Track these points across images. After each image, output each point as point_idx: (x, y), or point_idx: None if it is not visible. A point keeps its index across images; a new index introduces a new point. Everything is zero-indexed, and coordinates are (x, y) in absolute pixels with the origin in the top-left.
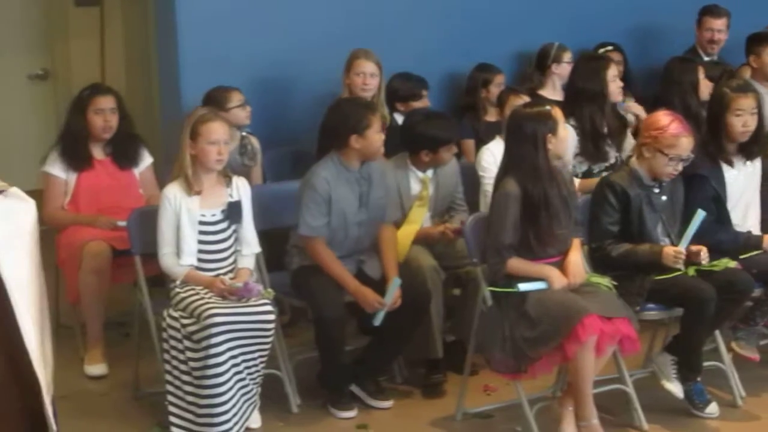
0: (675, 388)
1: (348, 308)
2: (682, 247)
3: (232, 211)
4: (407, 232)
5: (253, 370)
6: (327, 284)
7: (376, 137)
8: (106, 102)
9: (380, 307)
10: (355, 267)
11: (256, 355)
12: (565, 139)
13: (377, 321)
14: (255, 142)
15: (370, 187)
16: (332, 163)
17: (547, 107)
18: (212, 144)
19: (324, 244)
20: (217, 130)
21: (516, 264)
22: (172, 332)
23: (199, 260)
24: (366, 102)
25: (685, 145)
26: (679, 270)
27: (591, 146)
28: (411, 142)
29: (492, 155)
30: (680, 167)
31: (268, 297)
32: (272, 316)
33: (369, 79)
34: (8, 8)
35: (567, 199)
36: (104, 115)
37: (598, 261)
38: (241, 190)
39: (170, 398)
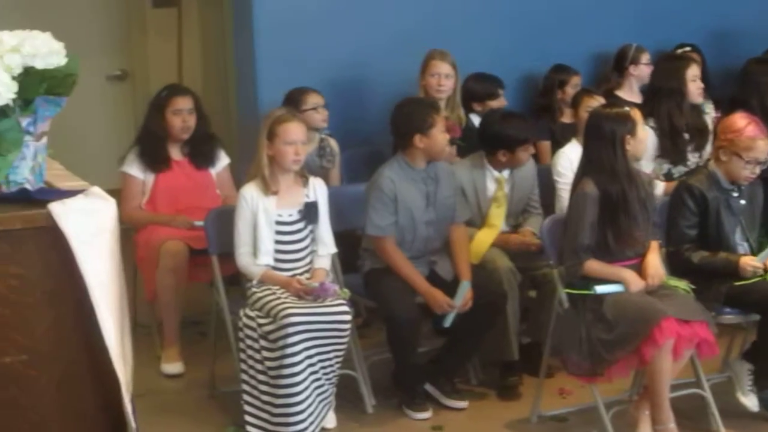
0: (749, 402)
1: (421, 309)
2: (759, 261)
3: (309, 212)
4: (487, 235)
5: (328, 370)
6: (398, 285)
7: (440, 137)
8: (185, 102)
9: (450, 309)
10: (427, 268)
11: (331, 355)
12: (644, 140)
13: (447, 323)
14: (334, 144)
15: (437, 186)
16: (397, 163)
17: (626, 108)
18: (289, 144)
19: (393, 244)
20: (294, 131)
21: (593, 266)
22: (248, 332)
23: (276, 260)
24: (430, 101)
25: (762, 147)
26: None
27: (669, 144)
28: (488, 142)
29: (568, 159)
30: (758, 170)
31: (344, 297)
32: (348, 317)
33: (444, 80)
34: (87, 9)
35: (645, 201)
36: (182, 116)
37: (675, 265)
38: (317, 190)
39: (246, 397)
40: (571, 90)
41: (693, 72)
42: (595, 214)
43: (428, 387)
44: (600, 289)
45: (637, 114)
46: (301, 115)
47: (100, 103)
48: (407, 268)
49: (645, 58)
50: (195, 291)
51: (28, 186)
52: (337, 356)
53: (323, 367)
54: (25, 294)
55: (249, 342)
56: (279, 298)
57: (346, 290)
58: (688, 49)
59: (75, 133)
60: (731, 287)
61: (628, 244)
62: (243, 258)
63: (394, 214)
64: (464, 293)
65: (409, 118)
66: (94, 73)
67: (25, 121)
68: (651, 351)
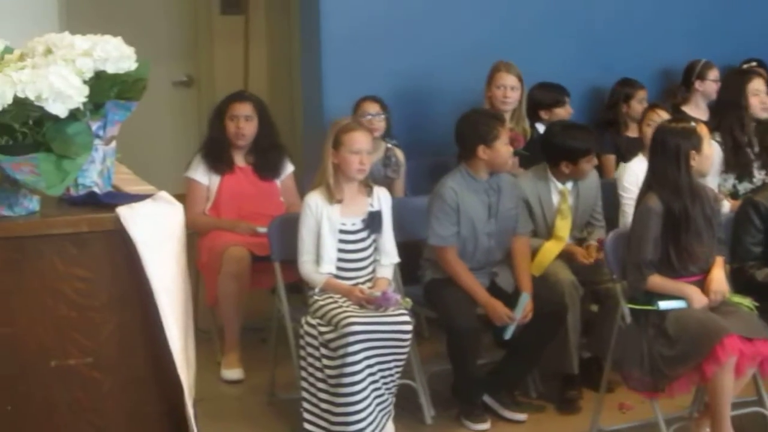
0: None
1: (481, 320)
2: None
3: (373, 221)
4: (553, 247)
5: (388, 379)
6: (459, 295)
7: (503, 149)
8: (242, 109)
9: (510, 320)
10: (488, 280)
11: (392, 364)
12: (710, 156)
13: (507, 335)
14: (399, 154)
15: (499, 197)
16: (460, 173)
17: (692, 123)
18: (354, 153)
19: (455, 254)
20: (359, 140)
21: (656, 281)
22: (309, 339)
23: (339, 269)
24: (495, 113)
25: None
26: None
27: (733, 159)
28: (551, 153)
29: (634, 174)
30: None
31: (405, 306)
32: (409, 327)
33: (510, 92)
34: (155, 16)
35: (710, 218)
36: (237, 122)
37: (740, 282)
38: (382, 200)
39: (305, 405)
40: (636, 104)
41: (755, 86)
42: (659, 229)
43: (487, 399)
44: (663, 304)
45: (702, 129)
46: None
47: (166, 108)
48: (468, 278)
49: (712, 74)
50: (256, 297)
51: (96, 189)
52: (397, 366)
53: (383, 377)
54: (91, 297)
55: (309, 349)
56: (341, 306)
57: (408, 299)
58: (754, 64)
59: (141, 139)
60: None
61: (691, 260)
62: (306, 266)
63: (456, 224)
64: (524, 305)
65: (473, 129)
66: (161, 78)
67: (95, 125)
68: (713, 368)
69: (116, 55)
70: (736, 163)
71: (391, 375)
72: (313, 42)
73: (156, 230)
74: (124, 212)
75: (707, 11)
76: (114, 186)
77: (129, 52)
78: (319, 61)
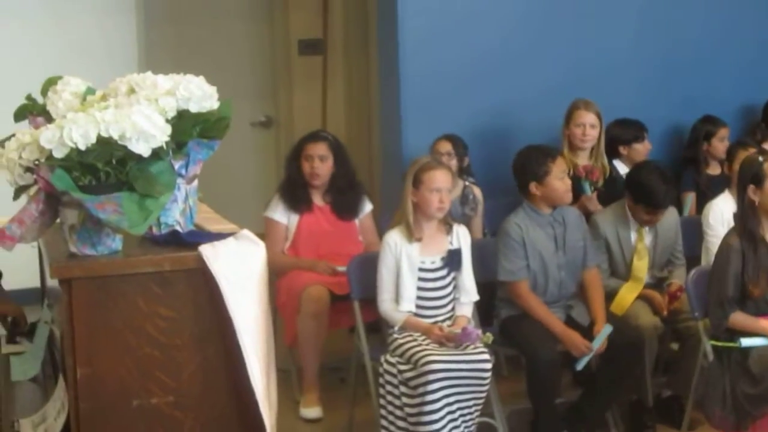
0: None
1: (561, 355)
2: None
3: (452, 259)
4: (631, 289)
5: (467, 417)
6: (538, 328)
7: (557, 183)
8: (316, 149)
9: (587, 351)
10: (564, 314)
11: (471, 403)
12: None
13: (580, 366)
14: (477, 192)
15: (565, 230)
16: (523, 209)
17: (759, 156)
18: (434, 192)
19: (527, 288)
20: (439, 178)
21: (739, 318)
22: (388, 377)
23: (418, 307)
24: (547, 149)
25: None
26: None
27: None
28: (634, 191)
29: (719, 211)
30: None
31: (486, 342)
32: (489, 365)
33: (589, 130)
34: (234, 58)
35: None
36: (312, 162)
37: None
38: (461, 238)
39: None
40: (717, 142)
41: None
42: (739, 265)
43: None
44: (745, 342)
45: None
46: None
47: (246, 149)
48: (543, 311)
49: None
50: (334, 337)
51: (178, 228)
52: (476, 404)
53: (462, 415)
54: (174, 336)
55: (389, 387)
56: (420, 345)
57: (489, 335)
58: None
59: (221, 179)
60: None
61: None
62: (385, 304)
63: (524, 258)
64: (604, 337)
65: (524, 166)
66: (240, 119)
67: (177, 164)
68: None
69: (199, 94)
70: None
71: (470, 413)
72: (391, 81)
73: (239, 269)
74: (207, 251)
75: None
76: (196, 225)
77: (211, 91)
78: (397, 100)
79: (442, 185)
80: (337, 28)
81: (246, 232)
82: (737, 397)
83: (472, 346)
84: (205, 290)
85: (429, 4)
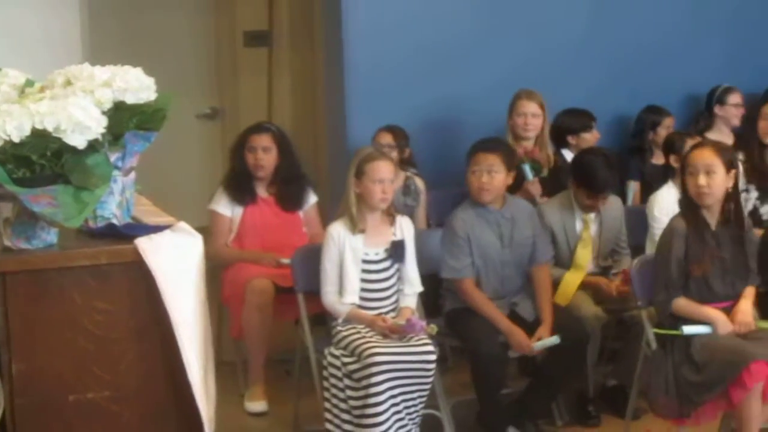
0: None
1: (504, 348)
2: None
3: (396, 251)
4: (574, 277)
5: (412, 410)
6: (482, 322)
7: (470, 177)
8: (260, 140)
9: (528, 351)
10: (508, 309)
11: (416, 395)
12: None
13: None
14: (419, 182)
15: (513, 226)
16: (470, 204)
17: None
18: (377, 182)
19: (473, 285)
20: (381, 169)
21: (682, 304)
22: (332, 370)
23: (362, 299)
24: (480, 142)
25: None
26: None
27: (752, 175)
28: (577, 175)
29: (664, 202)
30: None
31: (431, 332)
32: (433, 356)
33: (531, 119)
34: (179, 50)
35: (741, 243)
36: (256, 153)
37: None
38: (405, 229)
39: None
40: (663, 131)
41: (766, 110)
42: (682, 250)
43: (511, 429)
44: (688, 330)
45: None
46: None
47: (191, 141)
48: (488, 307)
49: (732, 98)
50: (281, 329)
51: (115, 221)
52: (421, 396)
53: (407, 407)
54: (111, 329)
55: (333, 380)
56: (364, 337)
57: (434, 326)
58: None
59: (165, 171)
60: None
61: (715, 286)
62: (329, 296)
63: (469, 255)
64: (547, 345)
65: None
66: (185, 111)
67: (114, 156)
68: (740, 394)
69: (136, 85)
70: (754, 180)
71: (415, 405)
72: (336, 73)
73: (175, 261)
74: (143, 244)
75: (736, 37)
76: (133, 217)
77: (149, 82)
78: (342, 91)
79: (384, 176)
80: (283, 20)
81: (183, 224)
82: (680, 385)
83: (417, 338)
84: (142, 283)
85: None
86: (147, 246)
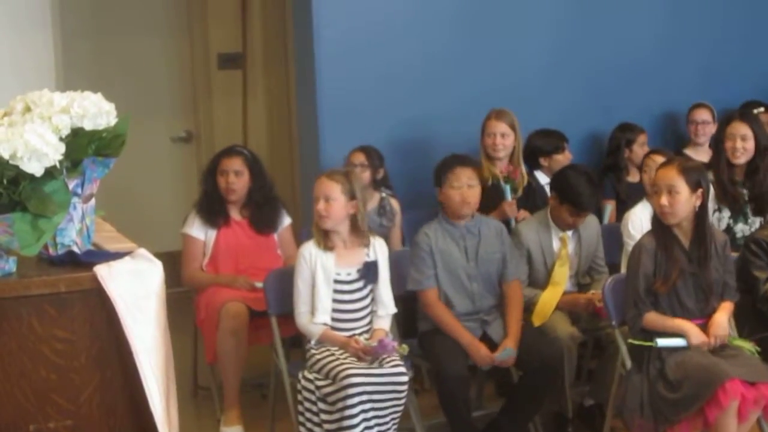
0: None
1: (472, 370)
2: None
3: (368, 271)
4: (552, 295)
5: (384, 429)
6: (449, 344)
7: (450, 192)
8: (231, 164)
9: (490, 364)
10: (480, 329)
11: (388, 417)
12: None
13: (485, 367)
14: (395, 203)
15: (479, 241)
16: (437, 219)
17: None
18: (318, 200)
19: (435, 297)
20: (318, 187)
21: (653, 318)
22: (306, 394)
23: (335, 320)
24: (456, 157)
25: None
26: None
27: (722, 195)
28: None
29: (638, 220)
30: None
31: (402, 353)
32: (405, 377)
33: (500, 140)
34: (153, 72)
35: (714, 260)
36: (227, 177)
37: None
38: (378, 250)
39: None
40: (638, 148)
41: (731, 130)
42: (652, 266)
43: None
44: (661, 342)
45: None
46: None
47: (166, 164)
48: (450, 321)
49: (697, 115)
50: (258, 353)
51: (75, 248)
52: (393, 417)
53: (378, 425)
54: (71, 358)
55: (307, 404)
56: (338, 359)
57: (405, 346)
58: (761, 109)
59: (140, 195)
60: None
61: (686, 301)
62: (302, 317)
63: (432, 267)
64: (504, 359)
65: (435, 172)
66: (160, 134)
67: (72, 183)
68: (715, 412)
69: (94, 111)
70: (724, 200)
71: (387, 426)
72: (309, 93)
73: (135, 288)
74: (102, 271)
75: (712, 55)
76: (94, 244)
77: (108, 107)
78: (315, 112)
79: (320, 193)
80: (257, 42)
81: (142, 250)
82: (656, 403)
83: (389, 359)
84: (102, 311)
85: (344, 16)
86: (105, 273)
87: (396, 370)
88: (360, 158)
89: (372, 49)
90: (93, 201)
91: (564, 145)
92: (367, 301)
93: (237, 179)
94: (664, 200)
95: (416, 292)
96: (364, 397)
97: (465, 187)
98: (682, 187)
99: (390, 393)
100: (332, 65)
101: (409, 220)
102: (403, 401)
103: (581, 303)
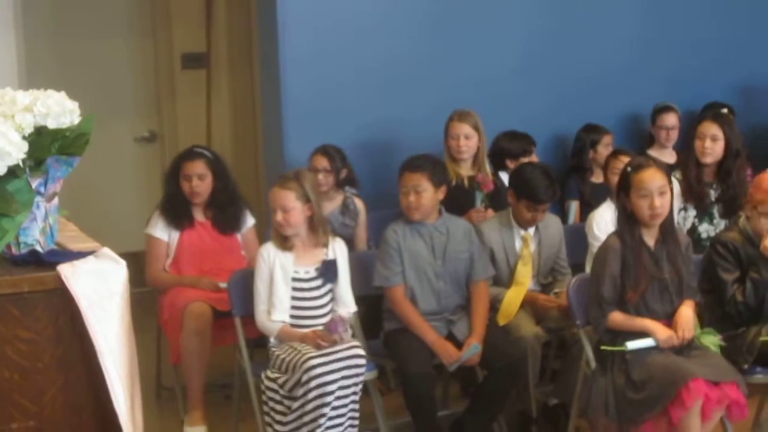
0: None
1: (437, 369)
2: None
3: (327, 270)
4: (515, 294)
5: (345, 411)
6: (415, 344)
7: (401, 197)
8: (194, 168)
9: (456, 361)
10: (446, 328)
11: (348, 399)
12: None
13: (451, 368)
14: (359, 203)
15: (447, 240)
16: (404, 218)
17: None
18: (275, 210)
19: (402, 294)
20: (273, 197)
21: (617, 318)
22: (270, 393)
23: (295, 317)
24: (412, 161)
25: None
26: None
27: (688, 194)
28: (517, 188)
29: (603, 221)
30: None
31: (347, 319)
32: (362, 351)
33: (464, 141)
34: (117, 73)
35: (679, 261)
36: (191, 182)
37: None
38: (337, 249)
39: None
40: (603, 149)
41: (702, 130)
42: (618, 267)
43: None
44: (632, 344)
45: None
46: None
47: (129, 164)
48: (416, 319)
49: (663, 119)
50: (223, 353)
51: (38, 248)
52: (353, 399)
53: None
54: (34, 359)
55: (272, 404)
56: (299, 352)
57: (348, 312)
58: (724, 110)
59: (103, 195)
60: (762, 343)
61: (651, 301)
62: (262, 316)
63: (399, 264)
64: (470, 356)
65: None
66: (123, 134)
67: (36, 182)
68: (679, 413)
69: (57, 110)
70: (691, 199)
71: (347, 409)
72: (274, 94)
73: (98, 288)
74: (66, 270)
75: (679, 58)
76: (58, 243)
77: (72, 106)
78: (279, 113)
79: (275, 204)
80: (221, 41)
81: (106, 250)
82: (620, 404)
83: (345, 343)
84: (66, 311)
85: (310, 16)
86: (69, 272)
87: (353, 352)
88: (323, 163)
89: (338, 49)
90: (56, 200)
91: (532, 149)
92: (326, 299)
93: (201, 182)
94: (658, 202)
95: (382, 290)
96: (326, 378)
97: (411, 193)
98: (667, 188)
99: (349, 369)
100: (297, 65)
101: (374, 221)
102: (362, 378)
103: (541, 304)
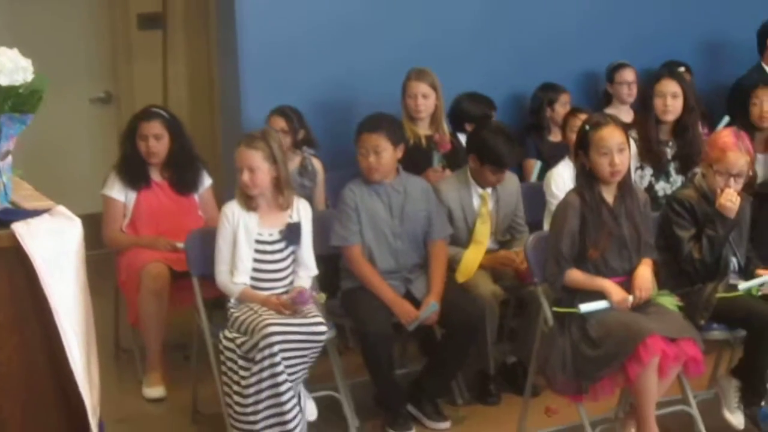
0: (735, 419)
1: (395, 327)
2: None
3: (291, 233)
4: (475, 252)
5: (294, 377)
6: (373, 303)
7: (360, 159)
8: (150, 128)
9: (414, 320)
10: (403, 286)
11: (299, 368)
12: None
13: (410, 327)
14: (317, 163)
15: (405, 199)
16: (361, 179)
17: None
18: (241, 170)
19: (359, 253)
20: (240, 157)
21: (574, 276)
22: (228, 354)
23: (256, 279)
24: (367, 121)
25: (732, 159)
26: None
27: (645, 153)
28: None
29: (561, 179)
30: (733, 183)
31: (320, 300)
32: (324, 328)
33: (421, 100)
34: (71, 33)
35: (637, 218)
36: (147, 142)
37: (690, 272)
38: (301, 212)
39: (231, 421)
40: (560, 108)
41: (661, 88)
42: (576, 223)
43: (411, 408)
44: (584, 307)
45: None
46: None
47: (85, 125)
48: (374, 278)
49: (621, 76)
50: (181, 314)
51: None
52: (303, 368)
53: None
54: None
55: (230, 364)
56: (259, 315)
57: (322, 294)
58: (682, 69)
59: (58, 155)
60: (718, 300)
61: (610, 258)
62: (222, 276)
63: (357, 224)
64: (429, 314)
65: None
66: (79, 95)
67: None
68: (636, 369)
69: (10, 66)
70: (648, 158)
71: (297, 377)
72: (230, 54)
73: (54, 246)
74: (21, 229)
75: (637, 18)
76: (12, 202)
77: (25, 63)
78: (236, 72)
79: (242, 164)
80: (177, 2)
81: (61, 208)
82: (577, 361)
83: (308, 312)
84: (21, 270)
85: None
86: (24, 231)
87: (314, 320)
88: (280, 124)
89: (294, 7)
90: (10, 159)
91: (492, 113)
92: (288, 262)
93: (157, 143)
94: (617, 159)
95: (340, 249)
96: (284, 346)
97: (371, 154)
98: (626, 145)
99: (308, 343)
100: (254, 24)
101: (332, 181)
102: (318, 352)
103: (499, 261)
